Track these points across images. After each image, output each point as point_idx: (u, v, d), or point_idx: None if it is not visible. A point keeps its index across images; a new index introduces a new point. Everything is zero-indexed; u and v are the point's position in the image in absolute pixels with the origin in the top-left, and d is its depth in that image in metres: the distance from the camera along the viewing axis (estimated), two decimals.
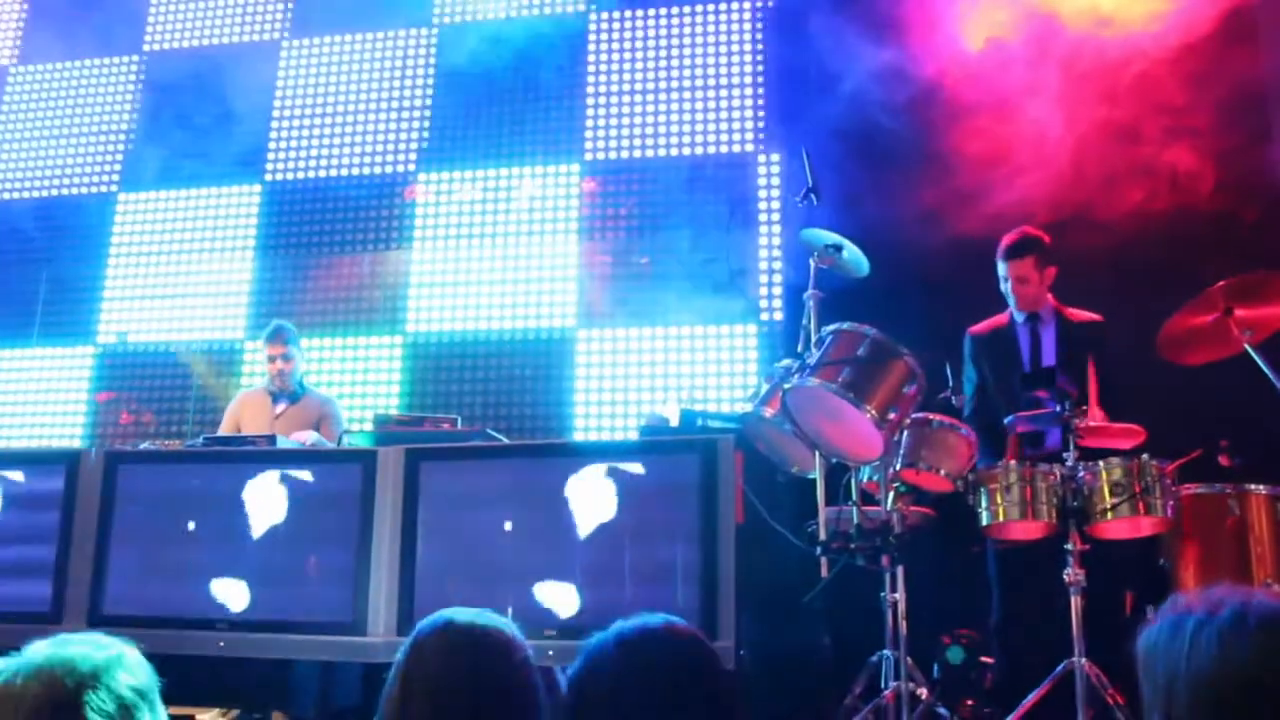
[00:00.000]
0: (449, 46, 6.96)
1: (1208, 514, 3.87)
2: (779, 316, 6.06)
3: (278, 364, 5.46)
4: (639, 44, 6.70)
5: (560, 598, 3.52)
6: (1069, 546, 3.63)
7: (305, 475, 3.85)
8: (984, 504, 3.80)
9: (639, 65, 6.67)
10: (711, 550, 3.38)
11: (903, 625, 3.78)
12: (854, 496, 3.78)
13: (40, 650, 1.50)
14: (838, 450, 3.73)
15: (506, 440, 4.74)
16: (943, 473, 3.83)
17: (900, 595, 3.82)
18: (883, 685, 3.82)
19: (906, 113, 5.61)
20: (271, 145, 7.06)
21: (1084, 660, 3.50)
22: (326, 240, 6.84)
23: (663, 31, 6.68)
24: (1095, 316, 4.44)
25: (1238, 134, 5.28)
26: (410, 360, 6.55)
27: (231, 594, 3.78)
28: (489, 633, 1.78)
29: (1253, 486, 3.86)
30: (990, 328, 4.57)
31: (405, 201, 6.77)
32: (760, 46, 6.49)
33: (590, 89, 6.68)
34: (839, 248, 4.00)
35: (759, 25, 6.54)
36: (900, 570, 3.82)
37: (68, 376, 6.96)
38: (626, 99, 6.63)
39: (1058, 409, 3.75)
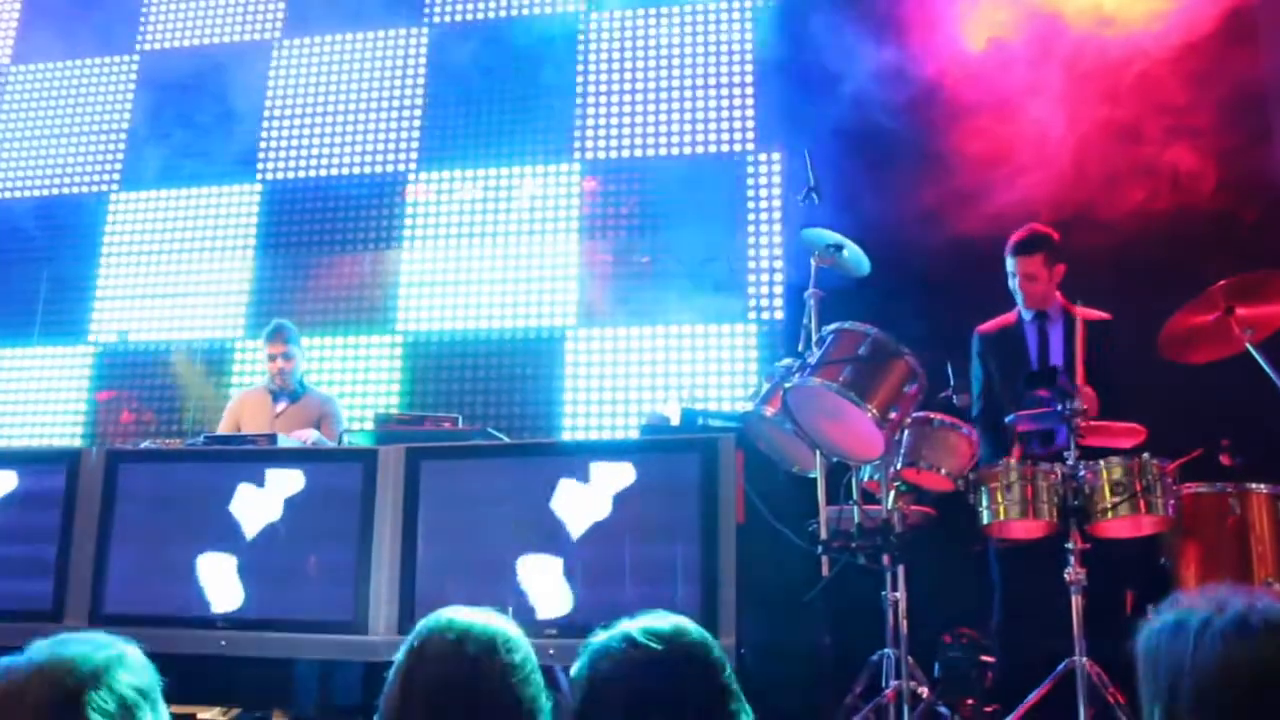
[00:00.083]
0: (445, 46, 6.95)
1: (1209, 513, 3.86)
2: (779, 316, 6.06)
3: (278, 363, 5.45)
4: (639, 42, 6.69)
5: (561, 596, 3.52)
6: (1070, 545, 3.62)
7: (306, 474, 3.85)
8: (985, 503, 3.80)
9: (639, 64, 6.66)
10: (712, 549, 3.38)
11: (903, 624, 3.78)
12: (855, 495, 3.78)
13: (42, 649, 1.50)
14: (839, 449, 3.73)
15: (507, 439, 4.75)
16: (944, 472, 3.82)
17: (901, 594, 3.82)
18: (883, 684, 3.81)
19: (908, 112, 5.61)
20: (265, 145, 7.05)
21: (1085, 659, 3.50)
22: (324, 240, 6.83)
23: (662, 30, 6.67)
24: (1104, 315, 4.43)
25: (1239, 133, 5.28)
26: (409, 359, 6.55)
27: (232, 593, 3.78)
28: (489, 632, 1.77)
29: (1254, 485, 3.86)
30: (998, 326, 4.57)
31: (403, 200, 6.76)
32: (761, 46, 6.48)
33: (590, 87, 6.67)
34: (840, 247, 4.00)
35: (751, 24, 6.53)
36: (901, 569, 3.82)
37: (65, 375, 6.96)
38: (627, 97, 6.61)
39: (1059, 408, 3.75)
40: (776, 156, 6.29)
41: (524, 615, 3.35)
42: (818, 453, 3.73)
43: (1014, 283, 4.45)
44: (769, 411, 3.77)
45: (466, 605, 1.84)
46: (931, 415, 3.87)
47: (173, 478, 3.98)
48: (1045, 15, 5.59)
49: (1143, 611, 3.83)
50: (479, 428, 4.99)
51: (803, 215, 4.41)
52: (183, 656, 3.58)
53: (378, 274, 6.70)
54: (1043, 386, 3.84)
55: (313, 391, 5.63)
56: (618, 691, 1.65)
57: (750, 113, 6.41)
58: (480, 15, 7.00)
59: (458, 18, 7.03)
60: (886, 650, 3.85)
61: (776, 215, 6.20)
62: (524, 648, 1.80)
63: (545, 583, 3.52)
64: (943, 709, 3.79)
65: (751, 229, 6.20)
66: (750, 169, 6.32)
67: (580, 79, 6.70)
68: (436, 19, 7.06)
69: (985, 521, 3.81)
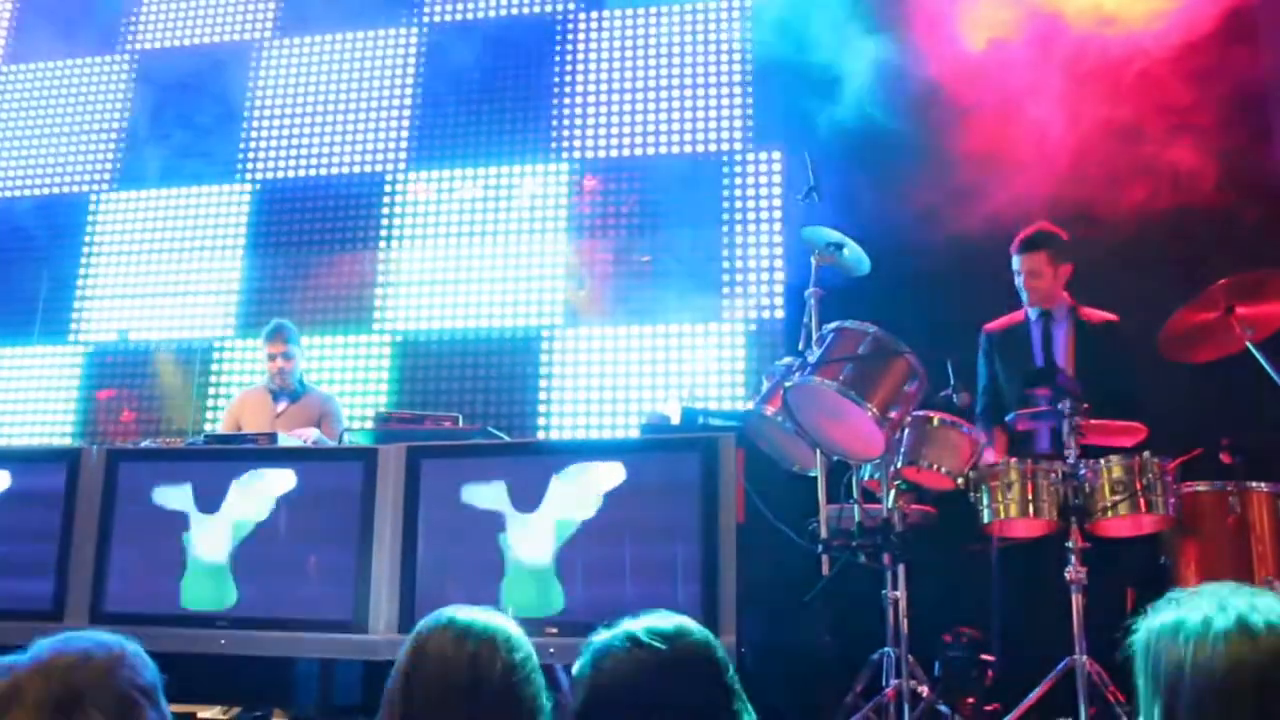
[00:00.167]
0: (437, 45, 6.94)
1: (1209, 512, 3.86)
2: (779, 315, 6.05)
3: (278, 362, 5.45)
4: (628, 41, 6.69)
5: (562, 595, 3.52)
6: (1070, 544, 3.62)
7: (307, 473, 3.85)
8: (985, 501, 3.80)
9: (630, 63, 6.65)
10: (713, 548, 3.38)
11: (904, 623, 3.78)
12: (855, 494, 3.78)
13: (43, 648, 1.50)
14: (839, 448, 3.73)
15: (507, 438, 4.75)
16: (944, 470, 3.82)
17: (901, 593, 3.82)
18: (884, 683, 3.81)
19: (908, 112, 5.60)
20: (255, 144, 7.05)
21: (1085, 658, 3.50)
22: (314, 239, 6.82)
23: (660, 29, 6.66)
24: (1111, 316, 4.42)
25: (1239, 133, 5.28)
26: (399, 358, 6.54)
27: (232, 592, 3.78)
28: (490, 630, 1.77)
29: (1254, 484, 3.86)
30: (1005, 325, 4.56)
31: (395, 199, 6.75)
32: (759, 44, 6.47)
33: (580, 86, 6.66)
34: (840, 245, 4.00)
35: (750, 22, 6.52)
36: (901, 568, 3.82)
37: (56, 375, 6.94)
38: (617, 96, 6.60)
39: (1057, 407, 3.75)
40: (776, 155, 6.29)
41: (524, 614, 3.34)
42: (818, 451, 3.73)
43: (1019, 280, 4.45)
44: (769, 410, 3.77)
45: (467, 604, 1.84)
46: (932, 414, 3.87)
47: (173, 477, 3.98)
48: (1046, 15, 5.59)
49: (1143, 610, 3.84)
50: (479, 427, 4.98)
51: (803, 214, 4.41)
52: (183, 655, 3.58)
53: (367, 273, 6.69)
54: (1042, 385, 3.84)
55: (313, 391, 5.63)
56: (621, 691, 1.65)
57: (750, 111, 6.41)
58: (472, 15, 7.00)
59: (450, 17, 7.03)
60: (887, 649, 3.85)
61: (777, 214, 6.20)
62: (525, 646, 1.80)
63: (546, 581, 3.52)
64: (943, 708, 3.79)
65: (752, 228, 6.20)
66: (750, 168, 6.31)
67: (570, 78, 6.69)
68: (428, 18, 7.05)
69: (986, 520, 3.81)
